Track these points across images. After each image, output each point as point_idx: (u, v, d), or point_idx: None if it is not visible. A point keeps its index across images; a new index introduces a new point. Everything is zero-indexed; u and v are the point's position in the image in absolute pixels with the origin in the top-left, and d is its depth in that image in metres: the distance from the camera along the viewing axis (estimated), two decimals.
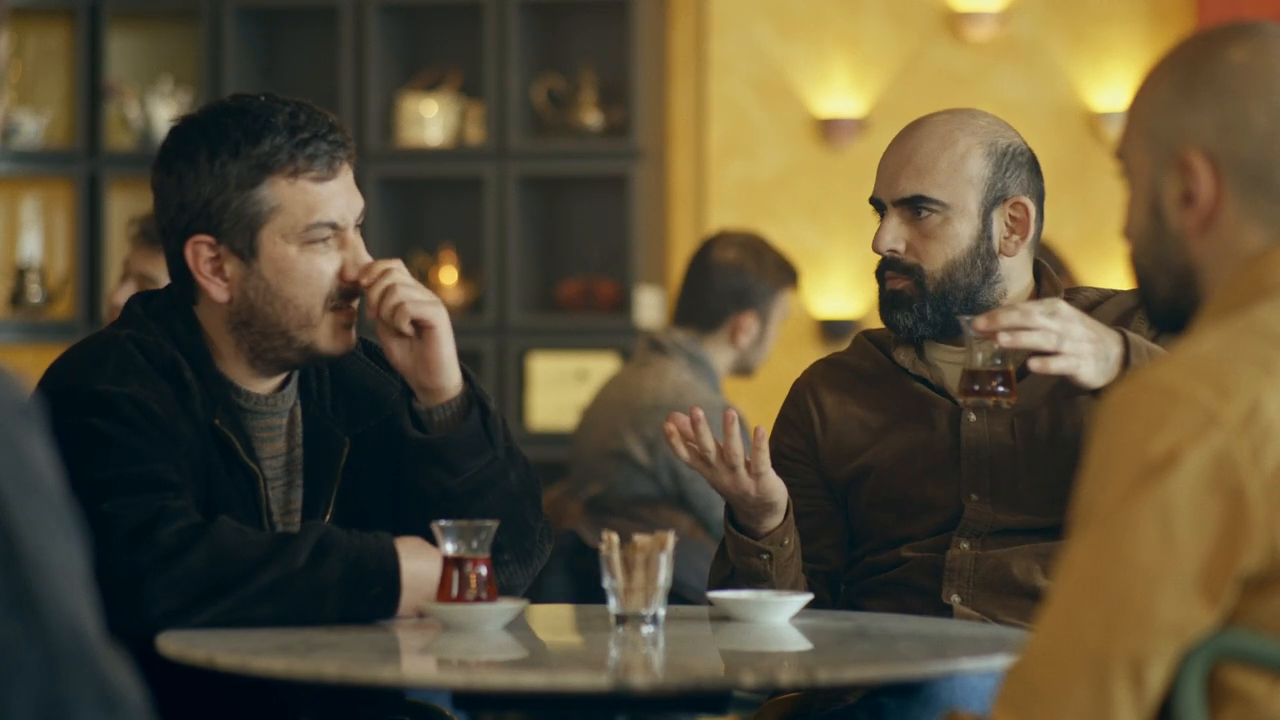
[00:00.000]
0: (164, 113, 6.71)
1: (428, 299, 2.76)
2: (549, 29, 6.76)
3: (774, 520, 2.98)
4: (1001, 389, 2.86)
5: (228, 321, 2.78)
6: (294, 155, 2.72)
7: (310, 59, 6.83)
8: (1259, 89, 1.93)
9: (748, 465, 2.91)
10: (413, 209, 6.80)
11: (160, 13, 6.92)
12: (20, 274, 6.82)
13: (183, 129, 2.79)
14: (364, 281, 2.75)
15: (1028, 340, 2.79)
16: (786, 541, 2.99)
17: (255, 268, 2.74)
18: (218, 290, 2.75)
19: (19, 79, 6.86)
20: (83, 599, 1.58)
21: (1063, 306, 2.82)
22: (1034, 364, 2.80)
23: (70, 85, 6.86)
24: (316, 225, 2.74)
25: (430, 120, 6.62)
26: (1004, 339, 2.80)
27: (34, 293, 6.79)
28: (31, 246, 6.91)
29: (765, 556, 2.98)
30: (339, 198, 2.76)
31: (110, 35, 6.78)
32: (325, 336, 2.77)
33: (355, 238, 2.78)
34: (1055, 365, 2.79)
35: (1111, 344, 2.82)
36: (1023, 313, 2.79)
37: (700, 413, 2.91)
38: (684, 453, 2.91)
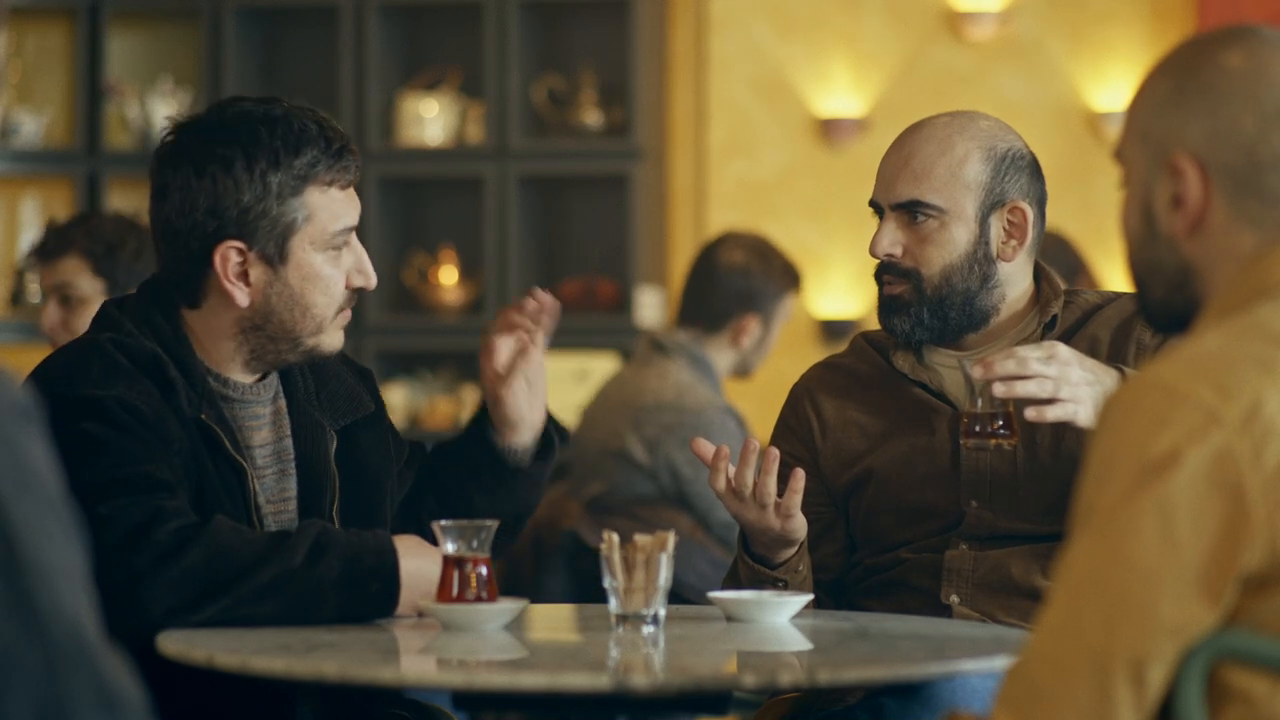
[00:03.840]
0: (164, 112, 6.71)
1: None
2: (549, 29, 6.76)
3: (789, 551, 2.97)
4: (1003, 431, 2.86)
5: (236, 324, 2.79)
6: (330, 167, 2.78)
7: (310, 59, 6.83)
8: (1248, 94, 1.94)
9: (777, 505, 2.90)
10: (413, 209, 6.79)
11: (160, 13, 6.92)
12: (20, 274, 6.82)
13: (207, 131, 2.78)
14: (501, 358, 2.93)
15: (1023, 390, 2.78)
16: (800, 568, 2.99)
17: (282, 274, 2.77)
18: (240, 295, 2.77)
19: (19, 79, 6.86)
20: (82, 599, 1.58)
21: (1061, 350, 2.81)
22: (1030, 413, 2.79)
23: (70, 85, 6.86)
24: (342, 231, 2.80)
25: (430, 120, 6.62)
26: (999, 389, 2.79)
27: (34, 293, 6.78)
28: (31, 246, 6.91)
29: (780, 585, 2.97)
30: (355, 204, 2.83)
31: (110, 35, 6.78)
32: (329, 339, 2.83)
33: (358, 243, 2.85)
34: (1052, 414, 2.78)
35: (1111, 384, 2.80)
36: (1019, 361, 2.78)
37: (755, 443, 2.90)
38: (721, 485, 2.90)
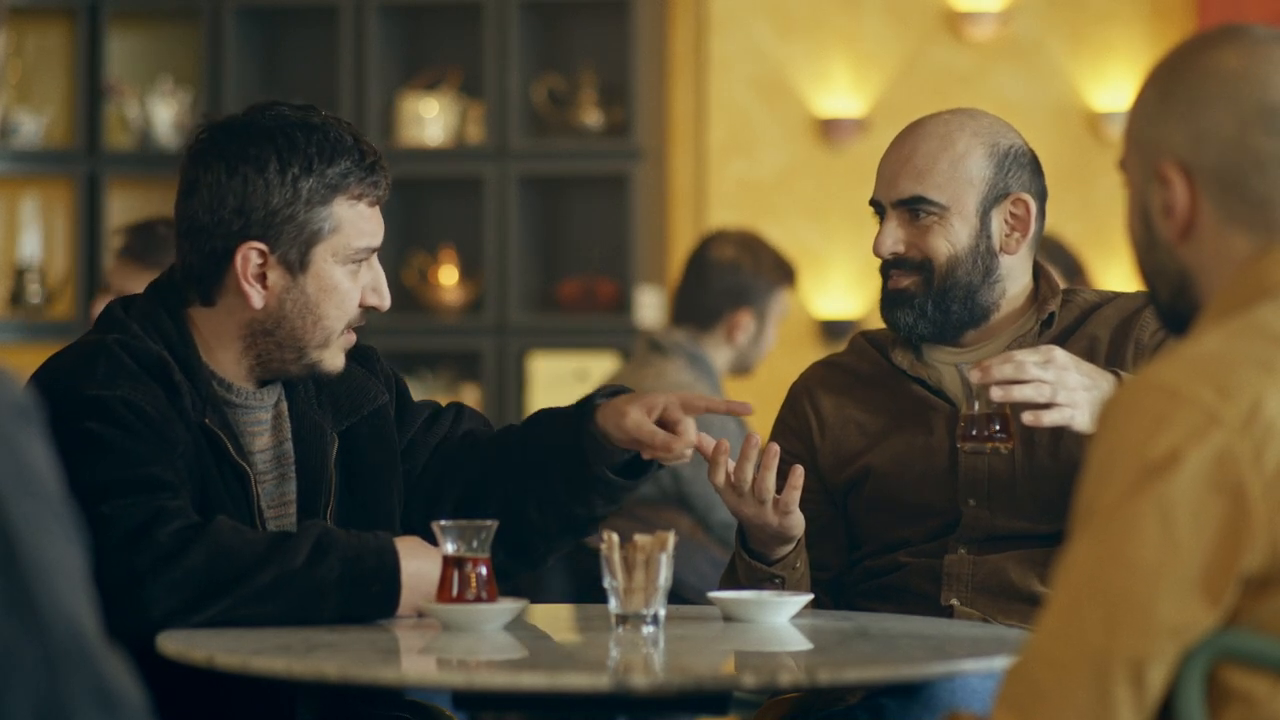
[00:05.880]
0: (164, 113, 6.71)
1: None
2: (549, 29, 6.76)
3: (787, 547, 2.98)
4: (1000, 434, 2.85)
5: (246, 327, 2.79)
6: (362, 180, 2.78)
7: (310, 59, 6.83)
8: (1227, 95, 1.93)
9: (776, 501, 2.90)
10: (413, 209, 6.79)
11: (160, 12, 6.92)
12: (20, 274, 6.82)
13: (242, 131, 2.77)
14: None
15: (1020, 395, 2.78)
16: (798, 564, 2.99)
17: (300, 281, 2.77)
18: (256, 296, 2.77)
19: (19, 79, 6.86)
20: (82, 599, 1.58)
21: (1058, 354, 2.81)
22: (1027, 418, 2.79)
23: (70, 85, 6.86)
24: (365, 249, 2.80)
25: (430, 120, 6.62)
26: (996, 394, 2.79)
27: (33, 293, 6.79)
28: (31, 246, 6.91)
29: (778, 581, 2.97)
30: (380, 224, 2.83)
31: (110, 35, 6.78)
32: (331, 356, 2.83)
33: (378, 263, 2.85)
34: (1049, 418, 2.78)
35: (1108, 388, 2.80)
36: (1016, 365, 2.78)
37: (756, 439, 2.90)
38: (720, 479, 2.90)
